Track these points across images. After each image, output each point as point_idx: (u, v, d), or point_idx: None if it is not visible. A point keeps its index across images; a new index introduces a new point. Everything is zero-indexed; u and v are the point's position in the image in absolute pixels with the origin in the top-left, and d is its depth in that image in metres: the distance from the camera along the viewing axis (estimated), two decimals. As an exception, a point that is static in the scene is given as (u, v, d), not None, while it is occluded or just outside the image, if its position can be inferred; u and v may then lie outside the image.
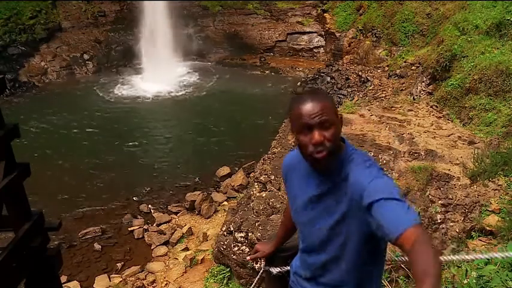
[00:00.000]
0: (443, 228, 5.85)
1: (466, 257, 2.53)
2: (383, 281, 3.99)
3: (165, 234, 9.40)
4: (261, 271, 2.62)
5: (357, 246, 1.82)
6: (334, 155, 1.76)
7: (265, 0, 21.25)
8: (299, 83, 17.81)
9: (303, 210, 1.98)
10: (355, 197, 1.73)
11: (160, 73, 18.32)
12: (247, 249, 6.73)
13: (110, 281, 8.29)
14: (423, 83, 11.98)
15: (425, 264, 1.40)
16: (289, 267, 2.40)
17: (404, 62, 15.35)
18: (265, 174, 7.58)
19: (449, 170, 6.48)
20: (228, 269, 7.32)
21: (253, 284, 2.90)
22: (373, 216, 1.62)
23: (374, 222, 1.63)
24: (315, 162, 1.77)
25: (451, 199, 6.02)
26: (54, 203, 10.42)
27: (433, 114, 8.86)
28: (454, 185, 6.20)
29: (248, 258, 2.52)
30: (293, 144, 7.87)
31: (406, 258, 2.54)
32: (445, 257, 2.57)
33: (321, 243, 1.94)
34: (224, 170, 11.69)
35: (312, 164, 1.82)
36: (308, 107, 1.72)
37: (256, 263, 6.44)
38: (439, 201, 6.03)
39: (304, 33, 20.74)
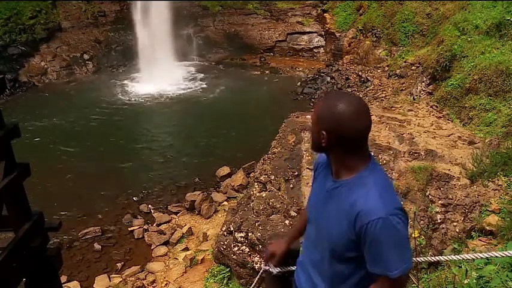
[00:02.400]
0: (443, 228, 5.85)
1: (466, 256, 2.54)
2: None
3: (165, 234, 9.40)
4: (261, 271, 2.62)
5: (341, 251, 1.89)
6: (314, 149, 1.97)
7: (265, 0, 21.25)
8: (299, 83, 17.82)
9: (314, 207, 2.07)
10: (354, 221, 1.79)
11: (160, 73, 18.32)
12: (247, 249, 6.73)
13: (110, 281, 8.29)
14: (423, 83, 11.98)
15: None
16: (289, 268, 2.41)
17: (404, 62, 15.36)
18: (265, 174, 7.57)
19: (449, 170, 6.48)
20: (228, 269, 7.32)
21: (253, 284, 2.90)
22: (362, 247, 1.80)
23: (362, 249, 1.81)
24: None
25: (451, 199, 6.02)
26: (54, 203, 10.42)
27: (433, 114, 8.86)
28: (454, 185, 6.20)
29: (274, 263, 2.43)
30: (293, 144, 7.86)
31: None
32: (444, 257, 2.57)
33: (320, 241, 2.00)
34: (224, 170, 11.68)
35: None
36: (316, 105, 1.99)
37: (256, 263, 6.45)
38: (439, 201, 6.03)
39: (304, 33, 20.74)
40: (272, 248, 2.44)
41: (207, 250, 8.56)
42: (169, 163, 12.72)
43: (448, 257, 2.59)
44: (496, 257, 2.48)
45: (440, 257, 2.66)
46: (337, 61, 18.76)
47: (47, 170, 11.78)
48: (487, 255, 2.40)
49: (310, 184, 2.33)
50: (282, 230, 6.37)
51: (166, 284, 8.05)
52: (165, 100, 17.08)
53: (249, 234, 6.67)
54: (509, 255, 2.27)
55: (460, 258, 2.47)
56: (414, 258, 2.87)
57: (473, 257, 2.52)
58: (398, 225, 1.73)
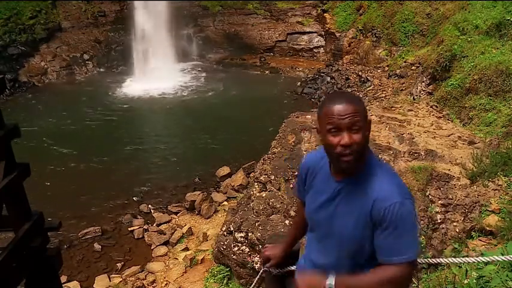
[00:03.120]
0: (443, 228, 5.84)
1: (467, 259, 2.54)
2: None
3: (165, 234, 9.40)
4: (261, 271, 2.63)
5: (360, 247, 1.88)
6: (360, 160, 1.78)
7: (265, 0, 21.25)
8: (299, 83, 17.82)
9: (318, 211, 2.01)
10: (370, 210, 1.78)
11: (161, 73, 18.32)
12: (247, 249, 6.73)
13: (110, 281, 8.29)
14: (423, 83, 11.98)
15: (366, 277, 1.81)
16: (289, 268, 2.41)
17: (404, 62, 15.36)
18: (265, 174, 7.57)
19: (449, 170, 6.47)
20: (228, 269, 7.32)
21: (253, 284, 2.90)
22: (377, 234, 1.78)
23: (375, 237, 1.80)
24: (341, 163, 1.78)
25: (451, 199, 6.02)
26: (54, 203, 10.40)
27: (433, 114, 8.85)
28: (454, 185, 6.19)
29: (265, 267, 2.43)
30: (293, 144, 7.86)
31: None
32: (444, 260, 2.57)
33: (331, 244, 1.98)
34: (224, 170, 11.68)
35: (336, 165, 1.84)
36: (340, 107, 1.72)
37: (256, 263, 6.45)
38: (439, 201, 6.03)
39: (304, 33, 20.74)
40: (267, 253, 2.45)
41: (207, 250, 8.57)
42: (169, 163, 12.72)
43: (448, 259, 2.59)
44: (498, 261, 2.49)
45: (440, 259, 2.67)
46: (337, 61, 18.75)
47: (47, 170, 11.79)
48: (488, 259, 2.41)
49: (295, 187, 2.28)
50: (282, 230, 6.36)
51: (166, 284, 8.05)
52: (165, 100, 17.07)
53: (249, 234, 6.67)
54: (510, 259, 2.26)
55: (460, 261, 2.47)
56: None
57: (474, 261, 2.52)
58: (412, 209, 1.77)
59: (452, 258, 2.52)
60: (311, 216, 2.08)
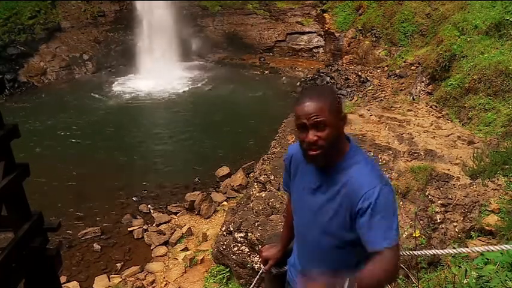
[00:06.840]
0: (442, 228, 5.84)
1: (463, 249, 2.57)
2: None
3: (164, 234, 9.39)
4: (260, 271, 2.63)
5: (343, 238, 1.90)
6: (328, 154, 1.83)
7: (265, 0, 21.26)
8: (298, 83, 17.82)
9: (301, 202, 2.05)
10: (350, 198, 1.82)
11: (160, 73, 18.33)
12: (246, 249, 6.73)
13: (110, 281, 8.28)
14: (422, 83, 11.99)
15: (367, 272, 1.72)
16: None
17: (404, 62, 15.37)
18: (264, 175, 7.57)
19: (448, 170, 6.48)
20: (228, 269, 7.32)
21: (253, 284, 2.90)
22: (359, 222, 1.78)
23: (358, 226, 1.80)
24: (309, 158, 1.86)
25: (451, 199, 6.02)
26: (53, 203, 10.40)
27: (432, 114, 8.86)
28: (454, 184, 6.20)
29: (265, 269, 2.48)
30: (293, 144, 7.87)
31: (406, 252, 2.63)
32: (446, 251, 2.59)
33: (312, 235, 2.00)
34: (224, 170, 11.68)
35: (306, 160, 1.91)
36: (304, 107, 1.81)
37: (256, 263, 6.45)
38: (439, 201, 6.03)
39: (303, 33, 20.75)
40: (265, 254, 2.49)
41: (207, 250, 8.56)
42: (169, 163, 12.72)
43: (445, 251, 2.62)
44: (492, 251, 2.52)
45: (438, 250, 2.69)
46: (337, 61, 18.77)
47: (46, 170, 11.76)
48: (484, 249, 2.44)
49: (283, 180, 2.31)
50: (282, 230, 6.35)
51: (165, 284, 8.05)
52: (164, 100, 17.08)
53: (249, 234, 6.67)
54: (505, 248, 2.29)
55: (457, 251, 2.52)
56: (412, 252, 2.89)
57: (470, 251, 2.56)
58: (392, 194, 1.81)
59: (448, 249, 2.56)
60: (295, 206, 2.13)
